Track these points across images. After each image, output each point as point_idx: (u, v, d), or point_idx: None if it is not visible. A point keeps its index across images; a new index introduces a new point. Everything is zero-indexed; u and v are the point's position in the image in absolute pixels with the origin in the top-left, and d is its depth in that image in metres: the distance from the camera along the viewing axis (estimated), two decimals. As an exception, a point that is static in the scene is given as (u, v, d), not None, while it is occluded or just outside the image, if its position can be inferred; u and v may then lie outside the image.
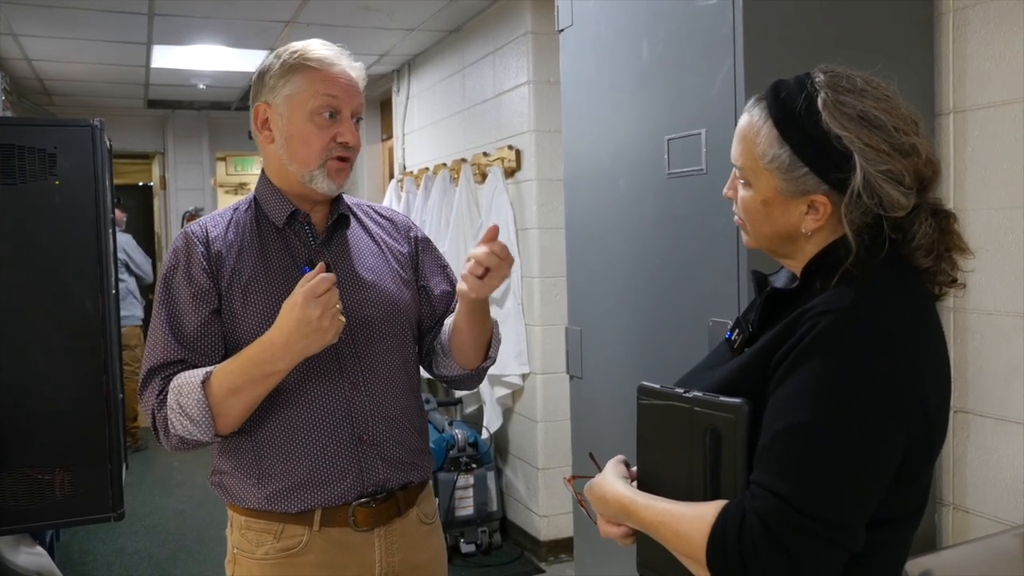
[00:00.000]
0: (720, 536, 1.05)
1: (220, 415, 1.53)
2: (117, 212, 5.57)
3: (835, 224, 1.17)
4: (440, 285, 1.83)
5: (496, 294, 4.13)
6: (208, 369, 1.54)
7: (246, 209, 1.72)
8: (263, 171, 1.73)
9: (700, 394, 1.15)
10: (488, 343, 1.78)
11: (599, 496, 1.26)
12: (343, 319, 1.51)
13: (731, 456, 1.11)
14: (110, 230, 2.76)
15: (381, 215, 1.85)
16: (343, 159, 1.64)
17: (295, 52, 1.64)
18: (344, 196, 1.78)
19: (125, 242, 6.41)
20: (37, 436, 2.59)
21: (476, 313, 1.69)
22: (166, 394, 1.55)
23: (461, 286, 1.63)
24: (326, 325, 1.48)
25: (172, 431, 1.55)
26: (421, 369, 1.85)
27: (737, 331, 1.26)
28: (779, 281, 1.31)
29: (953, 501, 2.18)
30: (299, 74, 1.62)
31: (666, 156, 2.18)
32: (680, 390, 1.19)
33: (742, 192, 1.23)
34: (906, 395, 1.07)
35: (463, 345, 1.75)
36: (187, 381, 1.53)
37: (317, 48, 1.64)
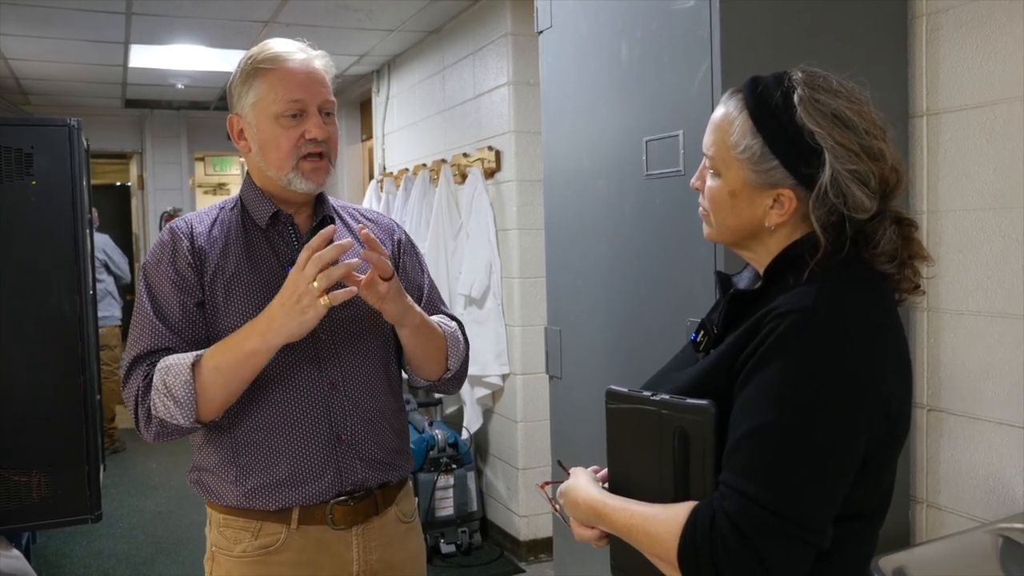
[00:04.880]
0: (691, 537, 1.06)
1: (203, 399, 1.52)
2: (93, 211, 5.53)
3: (798, 221, 1.19)
4: (420, 291, 1.83)
5: (476, 294, 4.15)
6: (199, 352, 1.55)
7: (231, 208, 1.72)
8: (247, 173, 1.74)
9: (667, 397, 1.17)
10: (445, 354, 1.76)
11: (571, 500, 1.27)
12: (325, 301, 1.49)
13: (699, 457, 1.12)
14: (87, 230, 2.75)
15: (366, 217, 1.85)
16: (317, 156, 1.63)
17: (250, 57, 1.64)
18: (329, 198, 1.78)
19: (104, 242, 6.35)
20: (13, 438, 2.58)
21: (409, 329, 1.66)
22: (152, 378, 1.55)
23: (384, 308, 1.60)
24: (305, 304, 1.48)
25: (154, 414, 1.54)
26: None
27: (702, 333, 1.28)
28: (742, 282, 1.32)
29: (926, 498, 2.21)
30: (258, 79, 1.62)
31: (644, 157, 2.20)
32: (647, 393, 1.20)
33: (710, 182, 1.25)
34: (868, 394, 1.09)
35: (415, 359, 1.74)
36: (176, 362, 1.54)
37: (272, 47, 1.64)
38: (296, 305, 1.49)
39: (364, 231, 1.55)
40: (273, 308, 1.52)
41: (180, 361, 1.53)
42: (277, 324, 1.50)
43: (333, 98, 1.67)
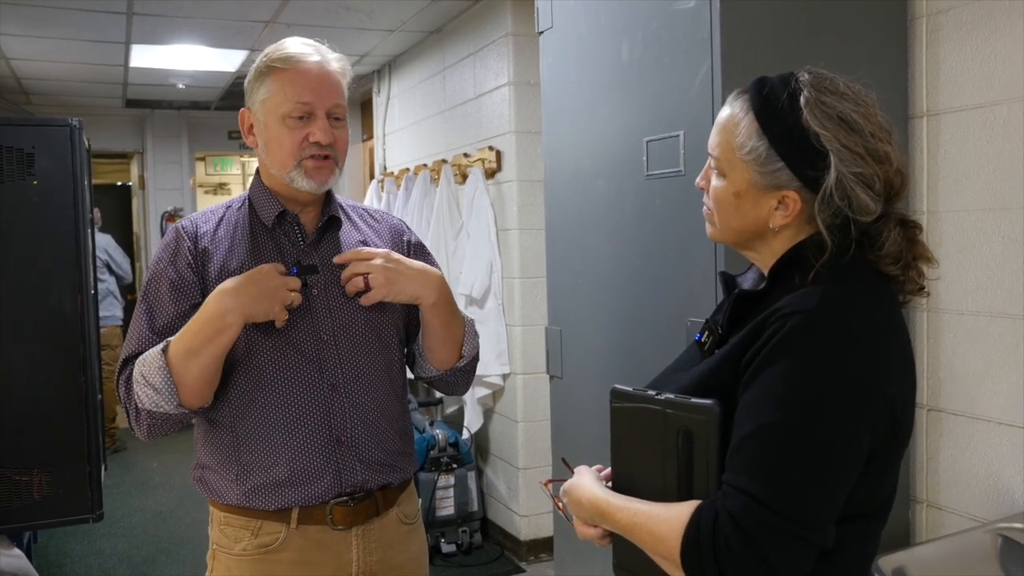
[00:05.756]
0: (694, 536, 1.06)
1: (181, 383, 1.54)
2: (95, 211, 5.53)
3: (802, 223, 1.19)
4: None
5: (477, 294, 4.16)
6: (169, 339, 1.56)
7: (239, 207, 1.73)
8: (257, 171, 1.75)
9: (672, 396, 1.17)
10: (461, 341, 1.78)
11: (575, 499, 1.27)
12: (285, 315, 1.57)
13: (703, 457, 1.12)
14: (88, 230, 2.75)
15: (375, 219, 1.85)
16: (322, 157, 1.64)
17: (266, 54, 1.65)
18: (338, 198, 1.78)
19: (106, 242, 6.37)
20: (15, 437, 2.58)
21: (425, 307, 1.69)
22: (132, 375, 1.57)
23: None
24: (275, 305, 1.55)
25: (141, 407, 1.56)
26: (408, 371, 1.86)
27: (707, 333, 1.28)
28: (747, 282, 1.32)
29: (927, 498, 2.21)
30: (270, 77, 1.62)
31: (645, 157, 2.20)
32: (652, 392, 1.20)
33: (715, 183, 1.25)
34: (871, 394, 1.09)
35: (432, 343, 1.76)
36: (149, 352, 1.56)
37: (288, 47, 1.64)
38: (275, 296, 1.55)
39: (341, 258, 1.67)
40: (244, 287, 1.54)
41: (153, 351, 1.55)
42: (248, 302, 1.53)
43: (344, 103, 1.67)
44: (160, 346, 1.55)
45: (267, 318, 1.56)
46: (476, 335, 1.82)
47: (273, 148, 1.64)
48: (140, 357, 1.57)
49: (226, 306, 1.52)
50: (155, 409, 1.55)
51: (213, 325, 1.52)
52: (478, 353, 1.84)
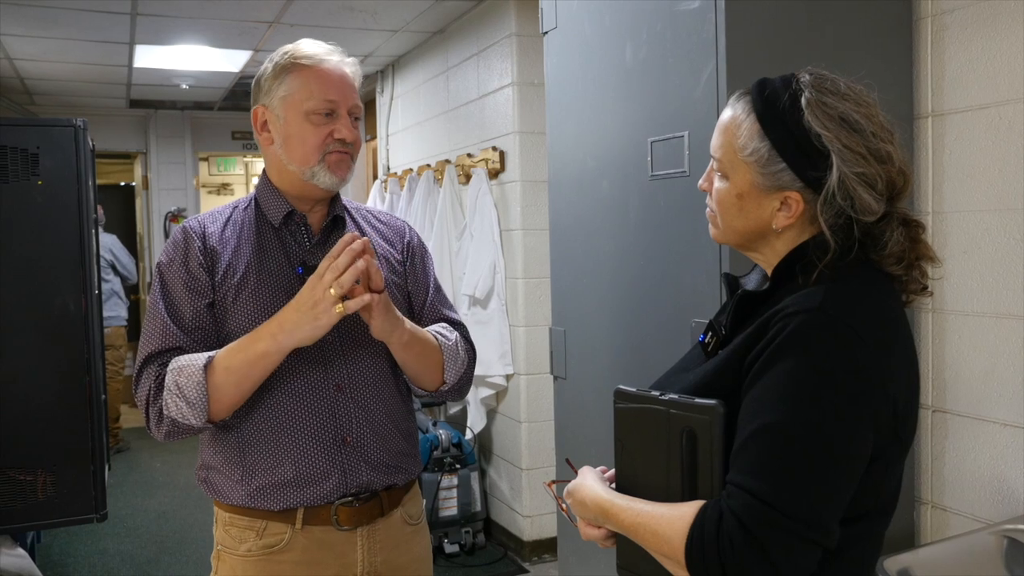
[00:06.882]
0: (698, 536, 1.06)
1: (215, 399, 1.54)
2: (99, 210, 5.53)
3: (805, 224, 1.19)
4: (425, 295, 1.83)
5: (480, 294, 4.16)
6: (211, 353, 1.56)
7: (245, 208, 1.74)
8: (264, 171, 1.75)
9: (676, 396, 1.17)
10: (440, 368, 1.74)
11: (579, 500, 1.27)
12: (339, 309, 1.50)
13: (707, 457, 1.12)
14: (93, 230, 2.75)
15: (379, 220, 1.85)
16: (343, 152, 1.66)
17: (286, 52, 1.66)
18: (343, 199, 1.79)
19: (111, 243, 6.38)
20: (19, 437, 2.58)
21: (397, 345, 1.64)
22: (163, 378, 1.56)
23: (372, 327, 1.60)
24: (319, 310, 1.50)
25: (166, 414, 1.55)
26: None
27: (710, 334, 1.28)
28: (750, 283, 1.33)
29: (931, 499, 2.21)
30: (292, 74, 1.64)
31: (649, 158, 2.20)
32: (656, 393, 1.20)
33: (718, 184, 1.25)
34: (874, 394, 1.09)
35: (407, 371, 1.73)
36: (189, 363, 1.55)
37: (307, 46, 1.66)
38: (311, 311, 1.51)
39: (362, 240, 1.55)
40: (287, 311, 1.53)
41: (193, 362, 1.55)
42: (289, 327, 1.52)
43: (360, 103, 1.70)
44: (202, 361, 1.54)
45: (323, 333, 1.53)
46: (462, 361, 1.77)
47: (295, 144, 1.64)
48: (177, 365, 1.55)
49: (269, 331, 1.53)
50: (181, 420, 1.55)
51: (255, 347, 1.53)
52: (467, 374, 1.80)
